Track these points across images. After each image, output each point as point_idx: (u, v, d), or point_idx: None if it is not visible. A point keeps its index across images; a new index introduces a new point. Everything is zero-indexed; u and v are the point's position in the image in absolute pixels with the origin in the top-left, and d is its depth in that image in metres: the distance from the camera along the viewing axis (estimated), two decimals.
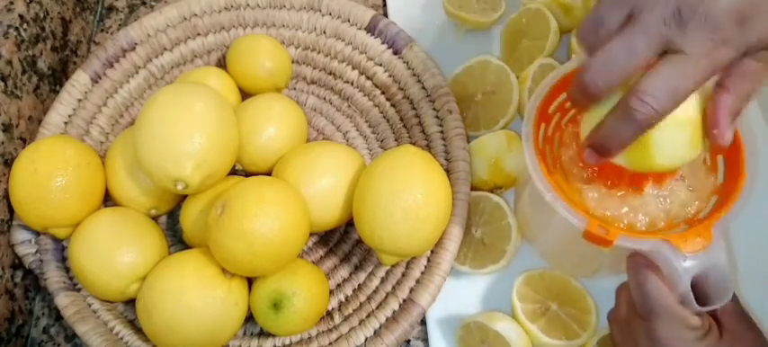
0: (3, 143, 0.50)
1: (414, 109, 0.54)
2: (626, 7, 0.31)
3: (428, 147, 0.53)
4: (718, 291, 0.34)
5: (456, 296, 0.50)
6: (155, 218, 0.52)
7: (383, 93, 0.56)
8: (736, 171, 0.38)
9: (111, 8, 0.67)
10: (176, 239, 0.53)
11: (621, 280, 0.40)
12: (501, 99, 0.54)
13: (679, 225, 0.39)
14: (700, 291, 0.34)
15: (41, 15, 0.55)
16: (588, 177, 0.41)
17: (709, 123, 0.34)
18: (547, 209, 0.38)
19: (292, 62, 0.59)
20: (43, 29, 0.56)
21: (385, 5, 0.64)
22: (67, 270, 0.49)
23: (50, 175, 0.46)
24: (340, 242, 0.53)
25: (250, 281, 0.47)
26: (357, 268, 0.51)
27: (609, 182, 0.41)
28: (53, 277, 0.48)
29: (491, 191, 0.52)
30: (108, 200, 0.51)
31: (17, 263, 0.50)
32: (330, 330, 0.48)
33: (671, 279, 0.35)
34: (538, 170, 0.39)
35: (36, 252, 0.49)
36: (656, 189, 0.40)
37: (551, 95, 0.42)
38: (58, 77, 0.58)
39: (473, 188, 0.51)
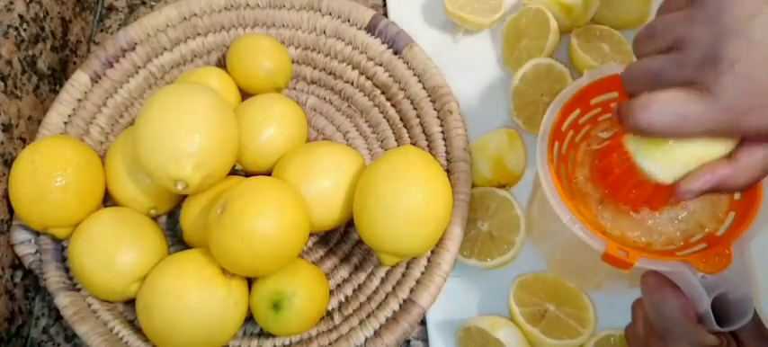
0: (3, 143, 0.50)
1: (414, 109, 0.54)
2: (672, 35, 0.32)
3: (429, 148, 0.53)
4: (739, 311, 0.33)
5: (456, 296, 0.50)
6: (155, 218, 0.52)
7: (383, 93, 0.56)
8: (753, 187, 0.37)
9: (110, 8, 0.67)
10: (176, 239, 0.53)
11: (629, 293, 0.39)
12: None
13: (697, 243, 0.38)
14: (719, 311, 0.34)
15: (41, 15, 0.55)
16: (603, 196, 0.40)
17: (686, 179, 0.33)
18: (554, 221, 0.37)
19: (292, 62, 0.58)
20: (43, 29, 0.56)
21: (385, 5, 0.64)
22: (67, 270, 0.49)
23: (50, 175, 0.46)
24: (340, 242, 0.53)
25: (250, 282, 0.47)
26: (357, 268, 0.51)
27: (623, 203, 0.40)
28: (53, 277, 0.48)
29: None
30: (108, 199, 0.51)
31: (17, 263, 0.50)
32: (330, 330, 0.48)
33: (691, 299, 0.34)
34: (554, 191, 0.38)
35: (36, 252, 0.49)
36: (671, 209, 0.39)
37: (565, 112, 0.41)
38: (58, 77, 0.58)
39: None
